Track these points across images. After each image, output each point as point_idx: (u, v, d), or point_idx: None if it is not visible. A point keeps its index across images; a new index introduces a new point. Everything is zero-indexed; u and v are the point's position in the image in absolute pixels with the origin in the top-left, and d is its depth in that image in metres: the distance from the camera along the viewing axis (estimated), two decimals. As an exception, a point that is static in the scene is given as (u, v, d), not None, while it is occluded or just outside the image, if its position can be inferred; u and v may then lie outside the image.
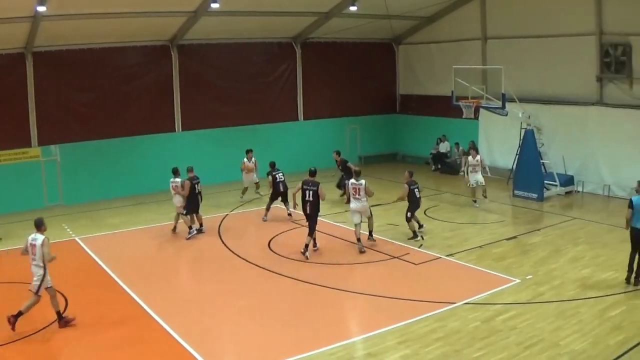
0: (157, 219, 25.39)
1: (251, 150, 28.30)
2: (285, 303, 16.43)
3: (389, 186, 28.97)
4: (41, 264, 14.68)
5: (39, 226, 15.04)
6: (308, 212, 20.21)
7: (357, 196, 20.56)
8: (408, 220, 21.94)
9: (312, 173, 20.59)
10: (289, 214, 24.60)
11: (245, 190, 28.38)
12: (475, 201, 26.36)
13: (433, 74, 36.59)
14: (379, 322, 14.81)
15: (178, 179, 22.75)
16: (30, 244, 14.82)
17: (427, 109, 37.31)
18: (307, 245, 20.02)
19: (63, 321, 14.99)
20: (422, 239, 21.76)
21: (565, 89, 29.30)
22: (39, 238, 14.78)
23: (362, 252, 20.27)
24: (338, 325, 15.21)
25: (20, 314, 14.54)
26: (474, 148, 28.00)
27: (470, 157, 26.36)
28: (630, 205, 17.45)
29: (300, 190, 20.43)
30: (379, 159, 35.07)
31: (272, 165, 25.29)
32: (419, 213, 22.68)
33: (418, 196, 22.03)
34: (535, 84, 30.38)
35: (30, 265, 14.80)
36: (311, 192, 20.03)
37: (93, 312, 15.90)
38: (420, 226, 22.52)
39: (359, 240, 20.46)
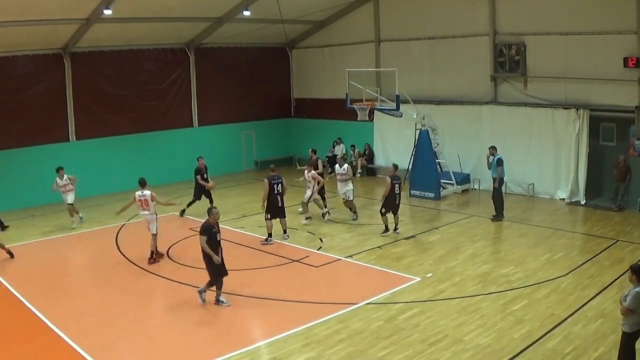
0: (53, 232, 24.20)
1: (62, 168, 24.52)
2: (186, 311, 15.79)
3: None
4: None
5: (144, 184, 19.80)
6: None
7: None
8: (382, 214, 21.84)
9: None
10: None
11: (71, 212, 24.95)
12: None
13: (327, 78, 36.45)
14: (282, 326, 14.44)
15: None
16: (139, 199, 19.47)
17: (322, 112, 37.22)
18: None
19: (155, 259, 19.60)
20: (391, 230, 21.94)
21: (459, 89, 29.69)
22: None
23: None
24: (241, 331, 14.74)
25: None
26: (342, 157, 26.45)
27: (337, 166, 24.96)
28: (501, 163, 23.31)
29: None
30: (275, 163, 34.33)
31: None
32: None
33: (397, 192, 21.73)
34: (430, 84, 30.67)
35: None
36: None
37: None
38: (396, 228, 22.21)
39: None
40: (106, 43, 30.71)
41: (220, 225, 16.25)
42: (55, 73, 29.87)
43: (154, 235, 19.86)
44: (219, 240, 15.86)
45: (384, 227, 21.90)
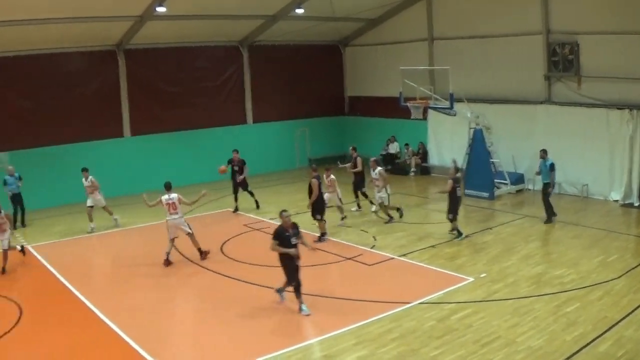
0: (105, 226, 24.82)
1: (86, 170, 24.32)
2: (239, 307, 16.09)
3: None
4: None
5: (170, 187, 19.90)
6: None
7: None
8: (451, 220, 21.69)
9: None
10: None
11: (89, 211, 24.44)
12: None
13: (380, 76, 36.52)
14: (335, 324, 14.63)
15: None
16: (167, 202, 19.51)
17: (376, 110, 37.36)
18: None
19: (205, 254, 20.04)
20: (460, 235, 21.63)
21: (513, 88, 29.52)
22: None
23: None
24: (293, 328, 14.98)
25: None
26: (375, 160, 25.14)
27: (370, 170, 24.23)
28: (554, 168, 22.85)
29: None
30: (328, 160, 34.70)
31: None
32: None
33: (459, 195, 21.70)
34: (484, 83, 30.55)
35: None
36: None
37: (47, 318, 15.79)
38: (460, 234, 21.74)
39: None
40: (159, 40, 31.38)
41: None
42: (109, 69, 30.71)
43: (191, 234, 20.06)
44: (295, 244, 15.44)
45: (456, 232, 21.62)
